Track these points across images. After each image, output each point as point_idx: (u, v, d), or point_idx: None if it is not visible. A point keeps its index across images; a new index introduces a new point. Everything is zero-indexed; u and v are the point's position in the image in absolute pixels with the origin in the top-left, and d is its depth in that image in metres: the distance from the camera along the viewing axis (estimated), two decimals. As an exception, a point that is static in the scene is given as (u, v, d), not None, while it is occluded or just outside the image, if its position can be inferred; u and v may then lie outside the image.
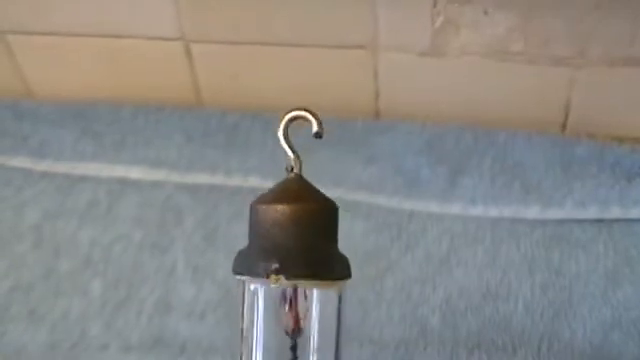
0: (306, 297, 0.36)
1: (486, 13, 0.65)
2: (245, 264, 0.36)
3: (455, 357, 0.55)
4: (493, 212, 0.64)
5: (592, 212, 0.63)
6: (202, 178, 0.67)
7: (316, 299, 0.37)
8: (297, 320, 0.36)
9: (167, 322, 0.59)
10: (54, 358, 0.57)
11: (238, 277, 0.37)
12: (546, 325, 0.57)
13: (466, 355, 0.55)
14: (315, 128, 0.39)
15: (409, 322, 0.58)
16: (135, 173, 0.67)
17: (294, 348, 0.36)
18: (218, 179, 0.67)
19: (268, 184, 0.66)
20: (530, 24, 0.65)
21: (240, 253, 0.37)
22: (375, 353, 0.55)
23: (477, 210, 0.64)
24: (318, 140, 0.69)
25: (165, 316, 0.60)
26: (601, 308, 0.58)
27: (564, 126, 0.70)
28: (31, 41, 0.73)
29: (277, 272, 0.35)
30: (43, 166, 0.68)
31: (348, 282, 0.60)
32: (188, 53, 0.71)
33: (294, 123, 0.40)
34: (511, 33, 0.65)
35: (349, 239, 0.62)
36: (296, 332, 0.36)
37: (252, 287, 0.37)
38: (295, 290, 0.36)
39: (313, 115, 0.39)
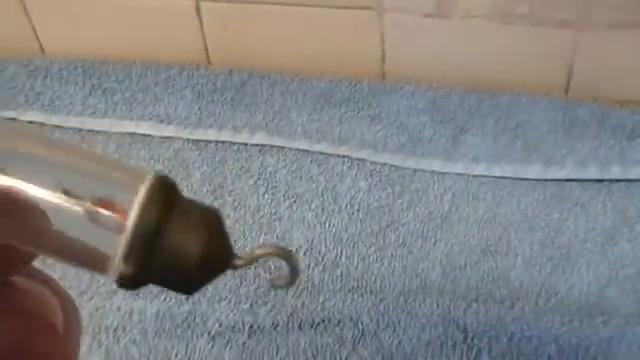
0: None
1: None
2: None
3: (454, 308, 0.56)
4: (495, 171, 0.65)
5: (592, 172, 0.64)
6: (210, 134, 0.68)
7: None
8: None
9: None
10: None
11: None
12: (544, 280, 0.59)
13: (464, 307, 0.56)
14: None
15: (409, 275, 0.59)
16: (144, 129, 0.69)
17: None
18: (225, 135, 0.68)
19: (274, 141, 0.68)
20: (535, -14, 0.65)
21: None
22: (375, 303, 0.57)
23: (479, 169, 0.65)
24: (324, 99, 0.70)
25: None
26: (598, 265, 0.59)
27: (567, 89, 0.71)
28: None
29: None
30: (55, 120, 0.70)
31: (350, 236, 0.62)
32: (198, 12, 0.72)
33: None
34: (516, -5, 0.66)
35: (353, 195, 0.64)
36: None
37: None
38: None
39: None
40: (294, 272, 0.25)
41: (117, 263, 0.22)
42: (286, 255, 0.25)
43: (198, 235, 0.23)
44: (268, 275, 0.59)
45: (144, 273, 0.23)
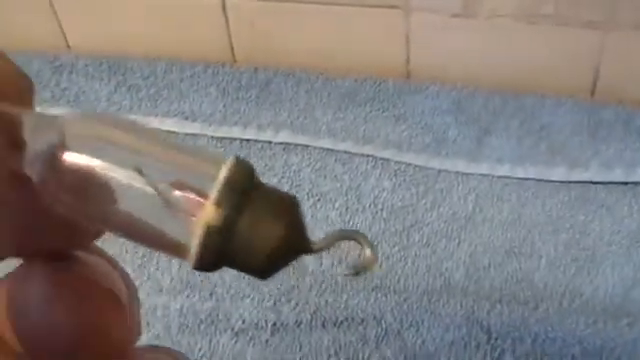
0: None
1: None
2: None
3: (478, 309, 0.56)
4: (519, 172, 0.65)
5: (617, 174, 0.64)
6: (234, 132, 0.69)
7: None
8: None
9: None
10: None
11: None
12: (568, 282, 0.58)
13: (488, 308, 0.56)
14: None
15: (433, 275, 0.59)
16: (169, 125, 0.69)
17: None
18: (250, 133, 0.68)
19: (298, 139, 0.68)
20: (561, -13, 0.65)
21: None
22: (399, 302, 0.57)
23: (504, 170, 0.65)
24: (349, 98, 0.70)
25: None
26: (623, 267, 0.59)
27: (593, 91, 0.71)
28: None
29: None
30: (80, 116, 0.70)
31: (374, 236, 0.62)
32: (224, 9, 0.73)
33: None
34: (542, -4, 0.66)
35: (377, 195, 0.64)
36: None
37: None
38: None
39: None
40: (369, 255, 0.24)
41: (196, 244, 0.22)
42: (360, 239, 0.25)
43: (277, 218, 0.23)
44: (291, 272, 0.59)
45: (221, 257, 0.23)
